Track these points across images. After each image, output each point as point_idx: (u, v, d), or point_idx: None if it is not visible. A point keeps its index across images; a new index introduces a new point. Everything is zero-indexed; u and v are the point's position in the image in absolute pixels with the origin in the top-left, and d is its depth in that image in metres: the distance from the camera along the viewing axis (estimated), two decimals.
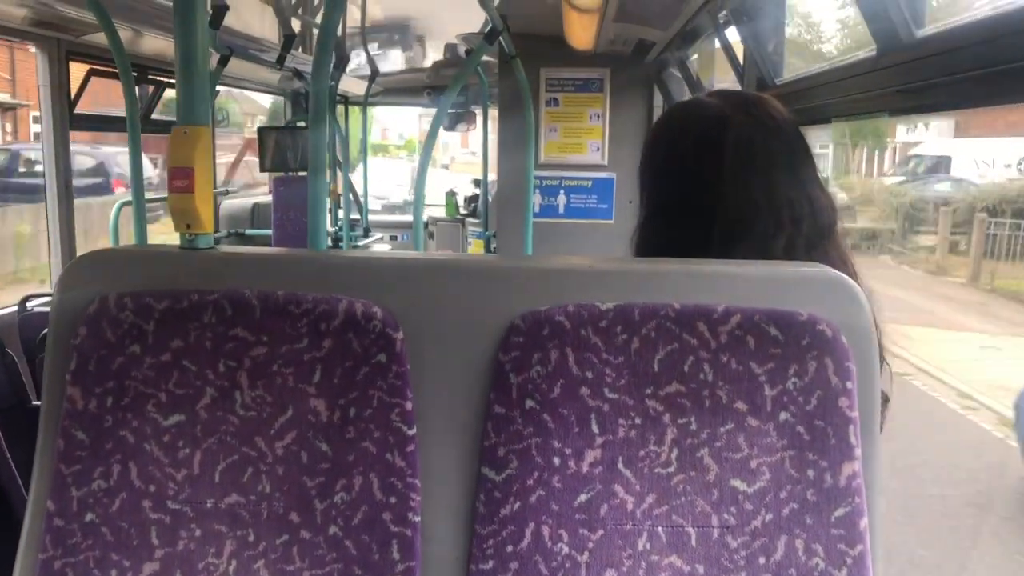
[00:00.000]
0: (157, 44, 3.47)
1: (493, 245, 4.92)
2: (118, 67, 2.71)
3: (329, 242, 5.58)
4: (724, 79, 3.24)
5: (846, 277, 0.94)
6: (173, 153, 0.99)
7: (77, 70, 3.31)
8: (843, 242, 1.13)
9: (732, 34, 2.51)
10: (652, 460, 0.92)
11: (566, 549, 0.92)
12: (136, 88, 3.14)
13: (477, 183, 6.03)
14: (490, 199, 5.35)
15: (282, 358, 0.94)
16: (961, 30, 1.19)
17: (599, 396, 0.92)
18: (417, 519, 0.94)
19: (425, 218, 6.27)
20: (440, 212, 6.61)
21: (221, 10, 3.28)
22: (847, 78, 1.56)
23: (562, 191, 4.25)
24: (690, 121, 1.17)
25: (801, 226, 1.09)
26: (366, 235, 6.08)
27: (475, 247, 6.06)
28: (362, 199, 6.16)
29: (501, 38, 3.09)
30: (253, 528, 0.95)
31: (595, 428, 0.92)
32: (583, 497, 0.92)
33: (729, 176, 1.09)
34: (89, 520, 0.94)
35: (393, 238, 6.48)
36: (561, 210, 4.27)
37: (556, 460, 0.92)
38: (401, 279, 0.97)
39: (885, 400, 1.11)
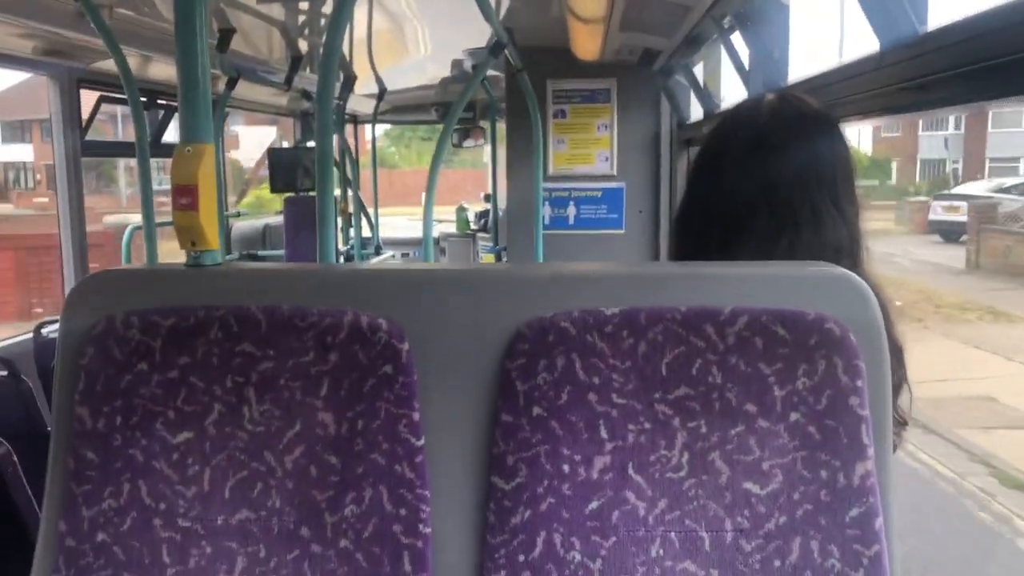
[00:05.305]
0: (166, 70, 3.51)
1: (504, 259, 4.92)
2: (127, 93, 2.72)
3: (341, 260, 5.62)
4: (731, 84, 3.24)
5: (853, 275, 0.92)
6: (176, 171, 0.99)
7: (88, 97, 3.36)
8: (866, 260, 1.14)
9: (738, 39, 2.51)
10: (663, 465, 0.91)
11: (578, 557, 0.91)
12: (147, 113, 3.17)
13: (488, 198, 6.05)
14: (500, 213, 5.36)
15: (289, 372, 0.94)
16: (965, 24, 1.17)
17: (607, 402, 0.91)
18: (428, 530, 0.94)
19: (436, 235, 6.30)
20: (451, 228, 6.63)
21: (228, 33, 3.33)
22: (851, 77, 1.55)
23: (572, 202, 4.24)
24: (741, 122, 1.21)
25: (801, 232, 1.10)
26: (377, 253, 6.11)
27: (486, 262, 6.08)
28: (372, 217, 6.19)
29: (507, 51, 3.10)
30: (264, 544, 0.94)
31: (604, 434, 0.91)
32: (594, 504, 0.91)
33: (767, 176, 1.12)
34: (100, 540, 0.94)
35: (405, 255, 6.50)
36: (571, 221, 4.24)
37: (566, 467, 0.91)
38: (406, 291, 0.97)
39: (903, 423, 1.10)
